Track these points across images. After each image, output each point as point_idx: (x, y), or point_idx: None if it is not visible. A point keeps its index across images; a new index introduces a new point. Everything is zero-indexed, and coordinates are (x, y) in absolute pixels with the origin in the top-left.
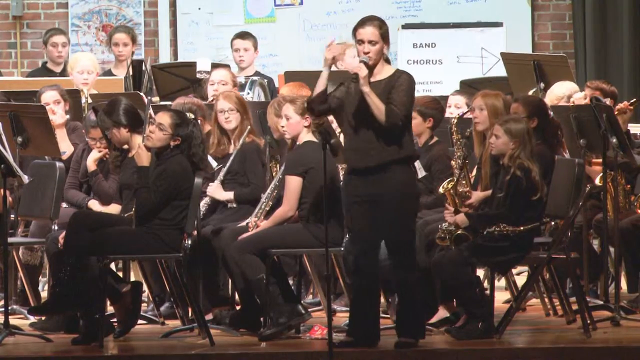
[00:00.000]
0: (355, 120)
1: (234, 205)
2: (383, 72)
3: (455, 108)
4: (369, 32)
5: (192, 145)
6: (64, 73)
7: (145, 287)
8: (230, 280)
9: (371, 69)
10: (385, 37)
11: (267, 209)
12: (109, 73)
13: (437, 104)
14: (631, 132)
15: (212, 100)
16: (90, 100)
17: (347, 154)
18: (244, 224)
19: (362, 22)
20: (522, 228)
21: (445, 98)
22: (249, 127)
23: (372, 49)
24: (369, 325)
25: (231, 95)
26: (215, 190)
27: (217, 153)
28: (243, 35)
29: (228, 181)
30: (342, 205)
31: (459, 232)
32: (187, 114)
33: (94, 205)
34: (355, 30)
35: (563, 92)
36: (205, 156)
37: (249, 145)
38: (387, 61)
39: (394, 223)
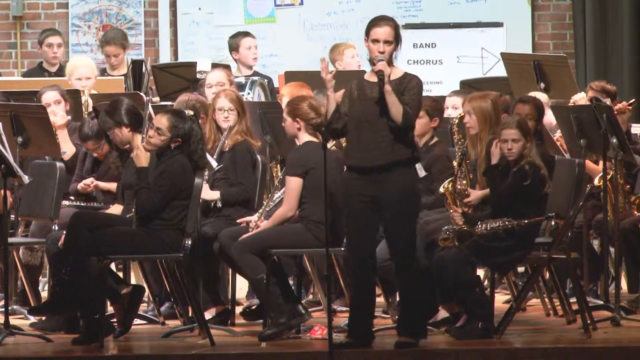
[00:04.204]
0: (362, 121)
1: (219, 205)
2: (392, 74)
3: (452, 109)
4: (386, 31)
5: (192, 142)
6: (59, 73)
7: (145, 287)
8: (230, 281)
9: None
10: (398, 37)
11: (268, 209)
12: (104, 72)
13: (440, 105)
14: (632, 132)
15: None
16: (90, 101)
17: (351, 154)
18: (242, 220)
19: (378, 21)
20: (526, 221)
21: (444, 99)
22: (235, 127)
23: (387, 49)
24: (367, 325)
25: (232, 94)
26: (202, 190)
27: (213, 150)
28: (250, 33)
29: (217, 180)
30: (344, 203)
31: (463, 227)
32: (187, 111)
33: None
34: (370, 29)
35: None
36: (205, 154)
37: (240, 145)
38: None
39: (396, 223)
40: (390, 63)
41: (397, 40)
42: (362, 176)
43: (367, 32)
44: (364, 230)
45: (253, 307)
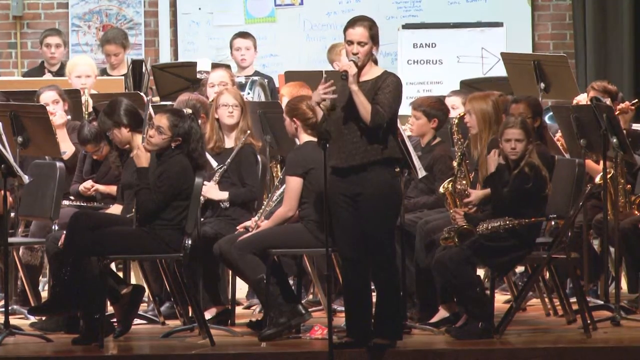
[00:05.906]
0: (340, 121)
1: (227, 205)
2: (370, 73)
3: (452, 109)
4: (359, 33)
5: (191, 141)
6: (59, 73)
7: (145, 287)
8: (230, 281)
9: (359, 69)
10: (374, 38)
11: (269, 209)
12: (104, 72)
13: (442, 105)
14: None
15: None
16: (90, 100)
17: (332, 155)
18: (242, 226)
19: (353, 23)
20: (526, 221)
21: (444, 99)
22: (248, 130)
23: (361, 50)
24: (366, 324)
25: (236, 92)
26: (210, 190)
27: (214, 149)
28: (244, 34)
29: (222, 181)
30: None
31: (464, 226)
32: (185, 110)
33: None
34: (345, 30)
35: None
36: (204, 152)
37: (245, 147)
38: (375, 62)
39: (373, 223)
40: (365, 64)
41: (373, 40)
42: (342, 176)
43: (344, 33)
44: (348, 230)
45: (256, 311)
